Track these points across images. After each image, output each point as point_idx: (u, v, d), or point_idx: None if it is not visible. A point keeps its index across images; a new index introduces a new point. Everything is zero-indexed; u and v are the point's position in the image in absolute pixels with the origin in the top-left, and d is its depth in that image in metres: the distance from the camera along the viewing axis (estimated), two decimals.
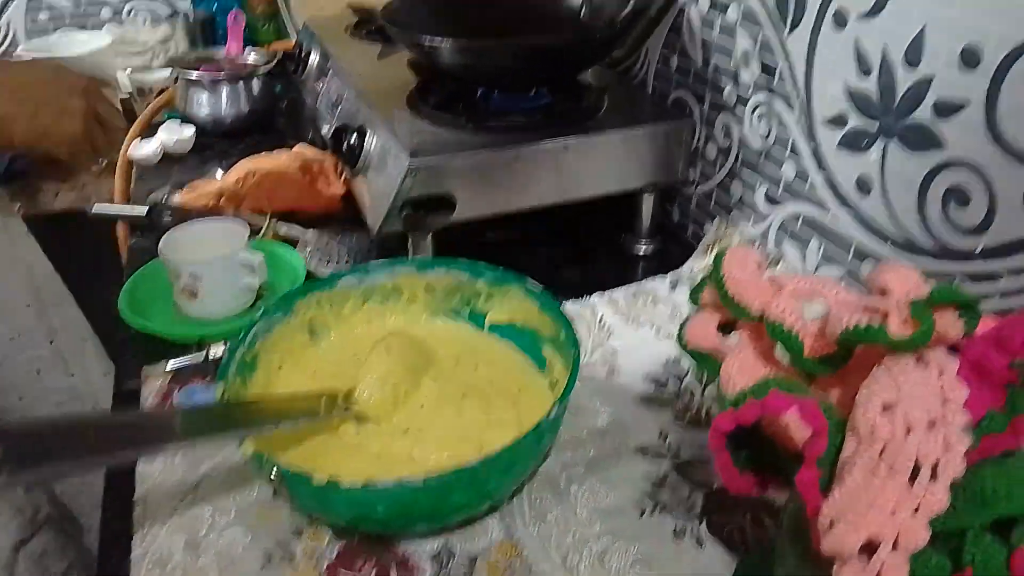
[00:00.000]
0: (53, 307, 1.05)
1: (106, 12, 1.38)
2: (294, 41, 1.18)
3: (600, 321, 0.74)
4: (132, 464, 0.56)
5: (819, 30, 0.65)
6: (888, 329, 0.39)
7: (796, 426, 0.39)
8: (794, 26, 0.67)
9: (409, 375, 0.59)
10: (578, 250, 0.87)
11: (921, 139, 0.58)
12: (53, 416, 0.39)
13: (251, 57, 1.16)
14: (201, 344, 0.70)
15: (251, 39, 1.32)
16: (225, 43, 1.18)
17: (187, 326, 0.74)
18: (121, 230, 1.02)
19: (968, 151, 0.55)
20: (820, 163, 0.68)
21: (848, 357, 0.44)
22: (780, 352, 0.46)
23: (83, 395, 1.04)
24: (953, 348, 0.43)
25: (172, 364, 0.68)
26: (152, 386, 0.67)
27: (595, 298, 0.77)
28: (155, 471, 0.56)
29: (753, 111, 0.75)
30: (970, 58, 0.53)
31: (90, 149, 0.81)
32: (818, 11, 0.64)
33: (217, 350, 0.69)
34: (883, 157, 0.61)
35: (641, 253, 0.87)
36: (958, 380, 0.38)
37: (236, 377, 0.56)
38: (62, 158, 0.80)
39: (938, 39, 0.55)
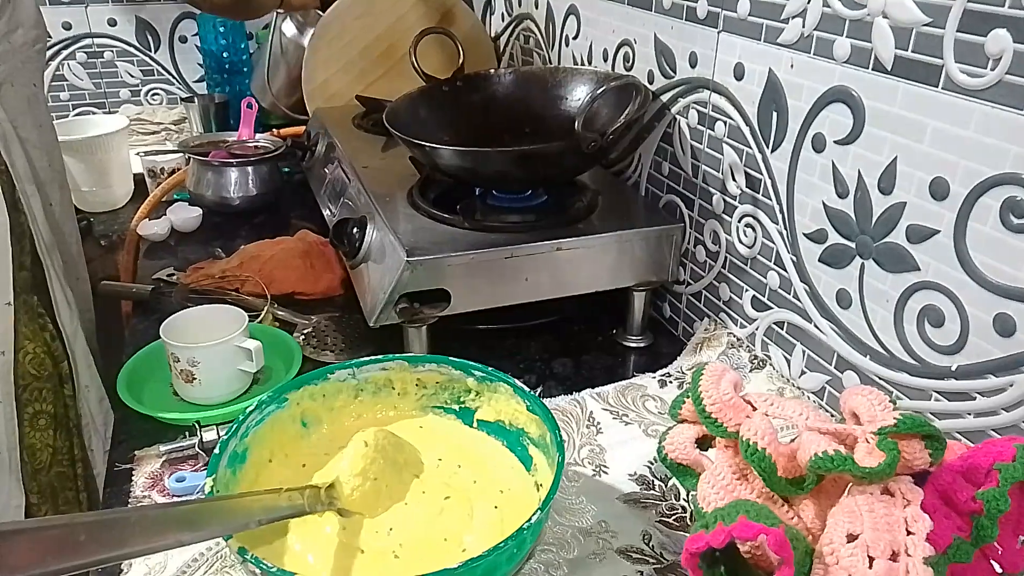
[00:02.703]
0: None
1: (125, 93, 1.44)
2: (304, 128, 1.23)
3: (589, 417, 0.75)
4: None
5: (799, 152, 0.68)
6: (855, 459, 0.41)
7: (767, 550, 0.40)
8: (776, 146, 0.71)
9: (390, 469, 0.60)
10: (570, 341, 0.89)
11: (896, 260, 0.61)
12: (43, 519, 0.41)
13: (261, 142, 1.21)
14: (195, 428, 0.71)
15: (263, 121, 1.37)
16: (237, 127, 1.23)
17: (183, 409, 0.75)
18: (125, 307, 1.04)
19: (940, 275, 0.57)
20: (802, 275, 0.71)
21: (821, 478, 0.46)
22: (755, 471, 0.47)
23: None
24: (923, 473, 0.45)
25: (165, 448, 0.69)
26: (144, 468, 0.68)
27: (586, 394, 0.78)
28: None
29: (739, 220, 0.78)
30: (939, 189, 0.56)
31: None
32: (798, 134, 0.68)
33: (210, 435, 0.70)
34: (861, 274, 0.64)
35: (633, 347, 0.89)
36: (922, 512, 0.40)
37: (226, 470, 0.57)
38: None
39: (909, 170, 0.58)
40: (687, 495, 0.65)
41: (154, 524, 0.47)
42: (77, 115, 1.42)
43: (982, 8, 0.51)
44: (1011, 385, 0.53)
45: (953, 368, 0.58)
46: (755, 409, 0.47)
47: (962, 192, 0.54)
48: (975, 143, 0.53)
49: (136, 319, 0.92)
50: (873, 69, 0.60)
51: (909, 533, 0.39)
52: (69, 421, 0.87)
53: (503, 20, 1.38)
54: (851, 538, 0.39)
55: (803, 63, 0.66)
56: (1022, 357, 0.52)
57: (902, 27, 0.57)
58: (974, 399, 0.56)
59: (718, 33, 0.77)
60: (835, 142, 0.64)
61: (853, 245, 0.64)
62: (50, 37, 1.38)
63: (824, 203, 0.67)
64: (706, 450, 0.51)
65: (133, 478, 0.67)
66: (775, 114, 0.70)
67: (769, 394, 0.49)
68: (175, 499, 0.65)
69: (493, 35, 1.42)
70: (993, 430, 0.55)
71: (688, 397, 0.50)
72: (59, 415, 0.86)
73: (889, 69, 0.59)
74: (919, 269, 0.59)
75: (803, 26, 0.66)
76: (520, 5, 1.30)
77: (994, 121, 0.52)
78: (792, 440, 0.46)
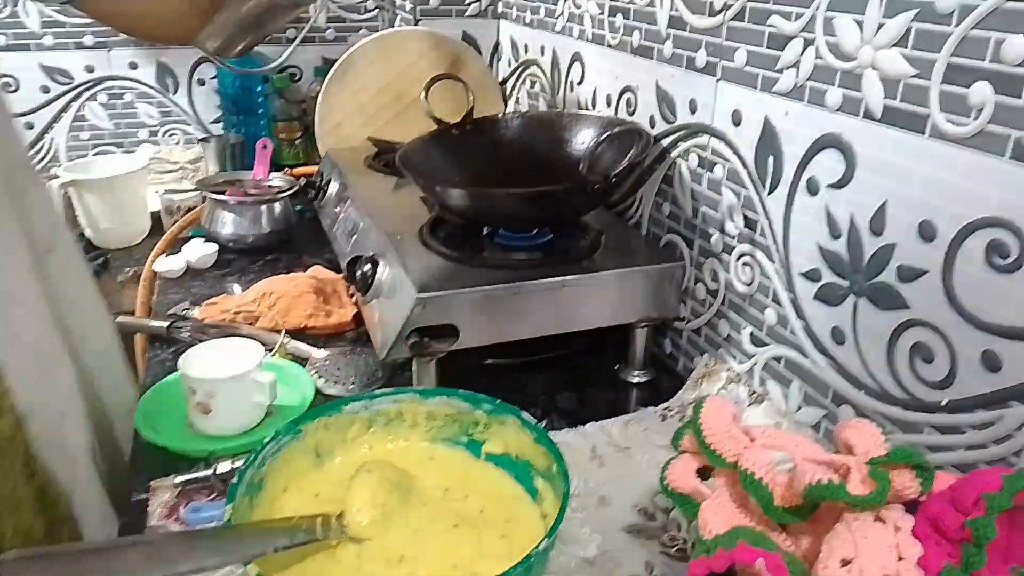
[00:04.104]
0: None
1: (143, 133, 1.49)
2: (317, 168, 1.27)
3: (593, 451, 0.77)
4: None
5: (794, 194, 0.71)
6: (848, 487, 0.43)
7: (765, 574, 0.42)
8: (772, 188, 0.74)
9: (395, 494, 0.62)
10: (575, 376, 0.91)
11: (888, 299, 0.63)
12: (63, 546, 0.42)
13: (275, 181, 1.24)
14: (209, 460, 0.73)
15: (275, 161, 1.41)
16: (252, 166, 1.27)
17: (198, 441, 0.77)
18: (140, 341, 1.07)
19: (929, 313, 0.60)
20: (798, 312, 0.73)
21: (816, 507, 0.48)
22: (754, 500, 0.49)
23: None
24: (914, 502, 0.47)
25: (180, 479, 0.71)
26: (160, 499, 0.70)
27: (589, 427, 0.80)
28: None
29: (738, 259, 0.81)
30: (927, 231, 0.59)
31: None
32: (793, 178, 0.71)
33: (224, 466, 0.72)
34: (854, 312, 0.67)
35: (634, 382, 0.91)
36: (913, 538, 0.42)
37: (244, 498, 0.59)
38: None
39: (898, 212, 0.61)
40: (688, 526, 0.67)
41: (176, 550, 0.50)
42: (96, 155, 1.47)
43: (965, 62, 0.55)
44: (1000, 419, 0.55)
45: (944, 403, 0.60)
46: (753, 440, 0.50)
47: (949, 234, 0.57)
48: (961, 188, 0.56)
49: (152, 352, 0.95)
50: (864, 117, 0.63)
51: (900, 558, 0.41)
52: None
53: (510, 66, 1.43)
54: (844, 563, 0.41)
55: (797, 111, 0.70)
56: (1009, 392, 0.55)
57: (890, 78, 0.60)
58: (965, 433, 0.58)
59: (717, 81, 0.80)
60: (828, 186, 0.68)
61: (847, 284, 0.67)
62: (72, 79, 1.44)
63: (818, 244, 0.69)
64: (706, 480, 0.53)
65: (149, 508, 0.69)
66: (771, 159, 0.74)
67: (767, 426, 0.51)
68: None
69: (500, 80, 1.47)
70: (984, 463, 0.57)
71: (689, 429, 0.53)
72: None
73: (879, 117, 0.62)
74: (909, 307, 0.61)
75: (797, 76, 0.69)
76: (527, 51, 1.35)
77: (978, 167, 0.55)
78: (789, 471, 0.48)
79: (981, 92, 0.54)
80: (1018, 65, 0.51)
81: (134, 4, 0.58)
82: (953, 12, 0.55)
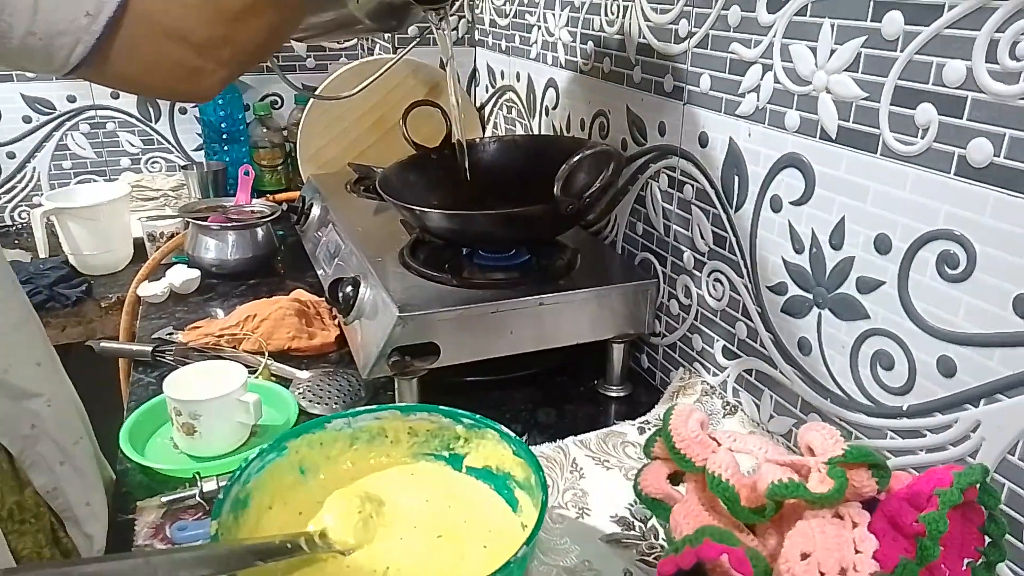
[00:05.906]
0: None
1: (125, 161, 1.50)
2: (298, 193, 1.29)
3: (573, 463, 0.79)
4: None
5: (759, 212, 0.74)
6: (808, 486, 0.45)
7: (730, 569, 0.44)
8: (739, 206, 0.77)
9: (368, 502, 0.63)
10: (554, 392, 0.93)
11: (849, 310, 0.66)
12: (51, 562, 0.44)
13: (257, 207, 1.26)
14: (195, 479, 0.74)
15: (257, 188, 1.43)
16: (235, 192, 1.28)
17: (183, 461, 0.79)
18: (124, 365, 1.08)
19: (888, 323, 0.63)
20: (767, 325, 0.76)
21: (779, 507, 0.50)
22: (721, 501, 0.51)
23: None
24: (874, 500, 0.49)
25: (166, 498, 0.72)
26: (146, 519, 0.71)
27: (568, 441, 0.82)
28: None
29: (708, 275, 0.84)
30: (882, 245, 0.62)
31: None
32: (757, 196, 0.74)
33: (210, 485, 0.73)
34: (819, 323, 0.70)
35: (613, 396, 0.93)
36: (869, 532, 0.44)
37: (229, 515, 0.60)
38: None
39: (856, 227, 0.64)
40: (665, 535, 0.69)
41: (165, 563, 0.51)
42: (78, 183, 1.48)
43: (911, 85, 0.58)
44: (956, 422, 0.58)
45: (904, 408, 0.62)
46: (720, 445, 0.52)
47: (902, 247, 0.60)
48: (911, 203, 0.59)
49: (136, 376, 0.96)
50: (820, 138, 0.67)
51: (857, 552, 0.43)
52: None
53: (487, 92, 1.47)
54: (804, 556, 0.43)
55: (759, 132, 0.73)
56: (964, 396, 0.57)
57: (843, 101, 0.64)
58: (924, 436, 0.61)
59: (683, 105, 0.84)
60: (790, 203, 0.71)
61: (811, 296, 0.70)
62: (54, 109, 1.45)
63: (783, 258, 0.73)
64: (677, 485, 0.55)
65: (136, 528, 0.70)
66: (736, 178, 0.77)
67: (732, 431, 0.54)
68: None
69: (478, 105, 1.50)
70: (942, 464, 0.60)
71: (660, 436, 0.55)
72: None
73: (834, 138, 0.65)
74: (869, 317, 0.64)
75: (758, 100, 0.73)
76: (503, 78, 1.38)
77: (926, 183, 0.58)
78: (753, 472, 0.50)
79: (927, 113, 0.57)
80: (958, 87, 0.55)
81: (138, 64, 0.57)
82: (898, 38, 0.58)
